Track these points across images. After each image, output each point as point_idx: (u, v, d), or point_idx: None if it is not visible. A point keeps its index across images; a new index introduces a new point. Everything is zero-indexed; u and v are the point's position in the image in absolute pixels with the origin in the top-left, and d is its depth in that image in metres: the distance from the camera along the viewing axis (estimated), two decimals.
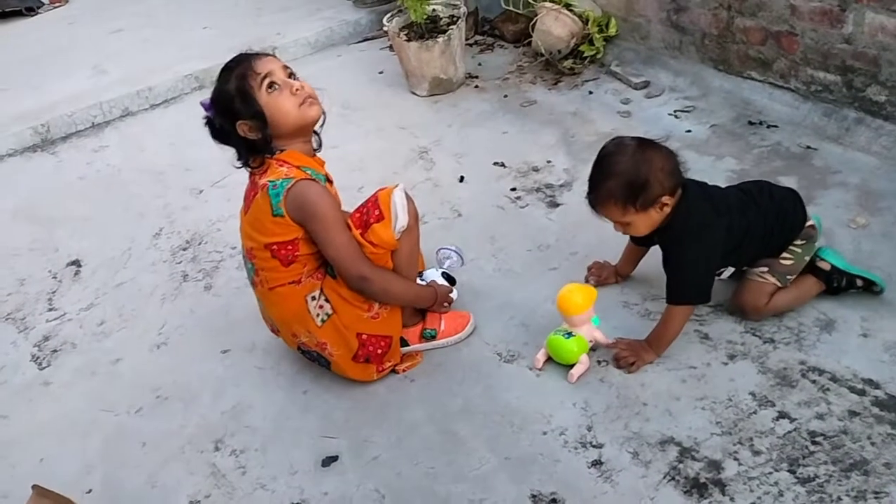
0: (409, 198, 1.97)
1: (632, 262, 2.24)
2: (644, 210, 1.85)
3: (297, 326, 2.00)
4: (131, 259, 2.83)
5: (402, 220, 1.93)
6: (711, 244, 1.90)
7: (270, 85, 1.86)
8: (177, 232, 2.94)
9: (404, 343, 2.12)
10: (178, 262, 2.76)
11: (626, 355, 1.98)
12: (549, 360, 2.04)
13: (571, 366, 1.99)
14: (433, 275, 2.23)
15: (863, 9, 2.51)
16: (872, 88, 2.61)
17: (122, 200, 3.23)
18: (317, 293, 1.96)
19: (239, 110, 1.86)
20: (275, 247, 1.91)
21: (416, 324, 2.14)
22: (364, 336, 1.99)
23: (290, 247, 1.90)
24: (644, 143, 1.87)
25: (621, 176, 1.82)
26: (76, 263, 2.87)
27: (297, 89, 1.88)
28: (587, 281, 2.25)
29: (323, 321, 1.97)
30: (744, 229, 1.94)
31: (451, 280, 2.24)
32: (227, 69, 1.89)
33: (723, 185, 2.11)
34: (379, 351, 2.02)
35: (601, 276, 2.25)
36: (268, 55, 1.92)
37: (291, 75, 1.92)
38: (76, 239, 3.01)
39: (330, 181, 2.03)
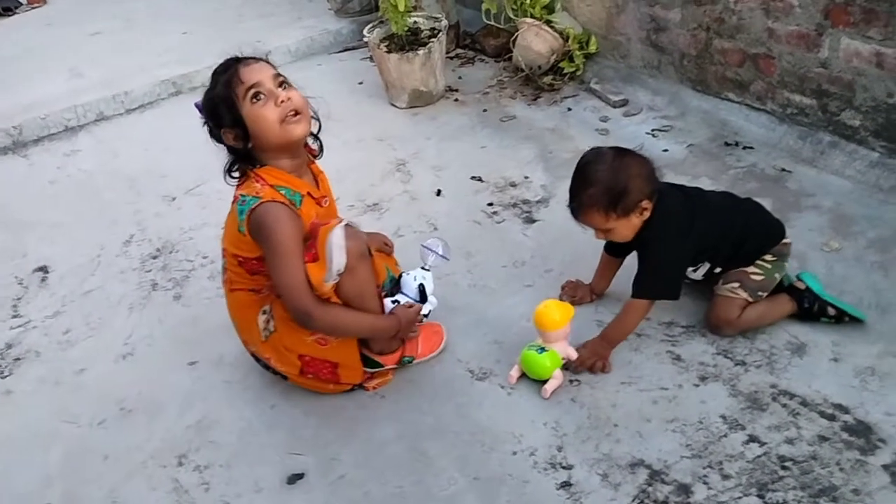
0: (352, 234, 1.81)
1: (606, 277, 2.24)
2: (625, 216, 1.89)
3: (245, 335, 1.99)
4: (100, 266, 2.78)
5: (338, 262, 1.76)
6: (684, 244, 1.95)
7: (255, 95, 1.77)
8: (148, 239, 2.89)
9: (380, 365, 2.07)
10: (148, 271, 2.71)
11: (594, 361, 2.00)
12: (523, 375, 2.02)
13: (545, 381, 1.97)
14: (408, 283, 2.10)
15: (839, 34, 2.54)
16: (847, 113, 2.63)
17: (93, 206, 3.17)
18: (268, 307, 1.93)
19: (223, 117, 1.80)
20: (241, 258, 1.89)
21: (395, 350, 2.06)
22: (307, 358, 1.93)
23: (253, 262, 1.88)
24: (621, 152, 1.94)
25: (601, 183, 1.86)
26: (43, 269, 2.81)
27: (281, 101, 1.77)
28: (561, 300, 2.23)
29: (266, 337, 1.94)
30: (720, 230, 1.99)
31: (423, 296, 2.13)
32: (217, 73, 1.82)
33: None
34: (325, 371, 1.96)
35: (576, 295, 2.24)
36: (259, 60, 1.83)
37: (283, 84, 1.81)
38: (45, 244, 2.95)
39: (316, 199, 1.91)
